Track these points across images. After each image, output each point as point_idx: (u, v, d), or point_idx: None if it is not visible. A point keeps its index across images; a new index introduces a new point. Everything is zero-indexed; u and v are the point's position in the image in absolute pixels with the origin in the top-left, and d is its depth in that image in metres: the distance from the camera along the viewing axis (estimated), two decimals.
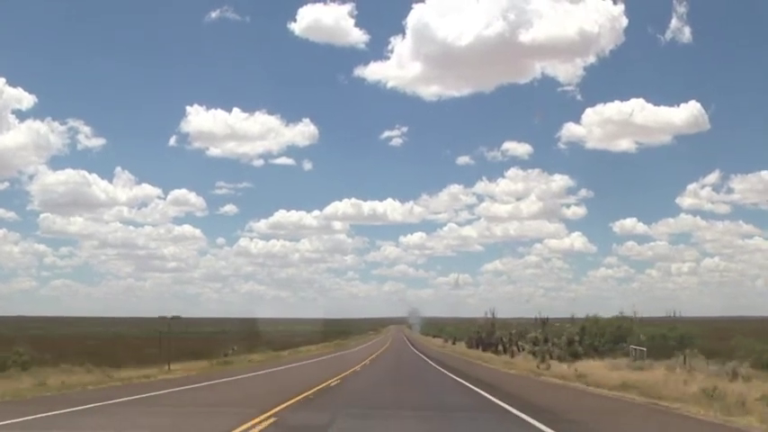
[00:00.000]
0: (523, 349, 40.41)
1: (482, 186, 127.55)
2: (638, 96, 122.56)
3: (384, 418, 12.83)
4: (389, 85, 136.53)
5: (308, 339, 68.58)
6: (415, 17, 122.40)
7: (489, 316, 53.18)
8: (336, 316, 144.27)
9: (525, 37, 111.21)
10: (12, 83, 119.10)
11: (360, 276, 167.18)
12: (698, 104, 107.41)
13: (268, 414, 12.21)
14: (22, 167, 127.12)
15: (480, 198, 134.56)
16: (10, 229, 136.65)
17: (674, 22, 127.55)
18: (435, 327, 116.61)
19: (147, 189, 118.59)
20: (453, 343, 76.65)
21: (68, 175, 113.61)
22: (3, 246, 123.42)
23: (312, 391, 17.65)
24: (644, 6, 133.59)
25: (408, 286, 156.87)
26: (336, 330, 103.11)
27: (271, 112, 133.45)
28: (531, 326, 44.02)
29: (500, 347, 48.78)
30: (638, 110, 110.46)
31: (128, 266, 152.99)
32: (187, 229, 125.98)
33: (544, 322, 36.76)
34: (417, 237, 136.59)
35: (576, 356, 30.78)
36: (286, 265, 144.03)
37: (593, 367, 25.30)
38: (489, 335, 50.96)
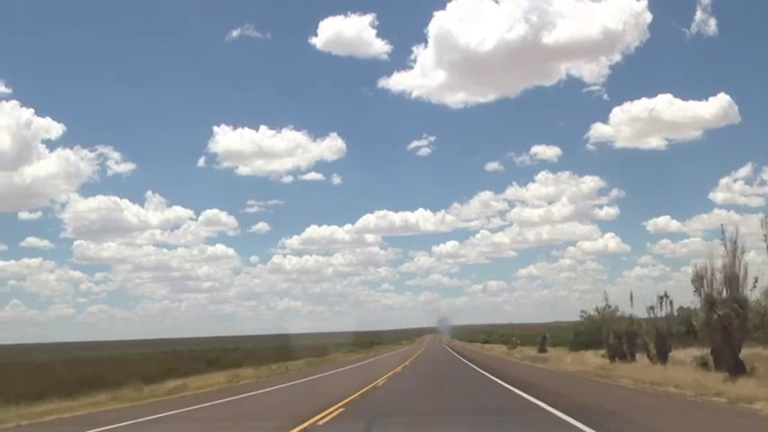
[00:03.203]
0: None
1: (512, 192, 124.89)
2: (665, 92, 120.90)
3: None
4: (414, 94, 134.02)
5: (294, 354, 50.53)
6: (436, 24, 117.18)
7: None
8: (372, 328, 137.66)
9: (548, 38, 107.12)
10: (40, 113, 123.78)
11: (394, 288, 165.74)
12: (727, 97, 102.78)
13: None
14: (53, 196, 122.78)
15: (511, 204, 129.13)
16: (45, 258, 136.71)
17: (698, 15, 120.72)
18: (483, 332, 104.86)
19: (179, 211, 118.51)
20: (541, 350, 44.38)
21: (100, 201, 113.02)
22: (39, 274, 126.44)
23: None
24: (668, 0, 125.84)
25: (443, 295, 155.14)
26: (363, 341, 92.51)
27: (297, 128, 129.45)
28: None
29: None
30: (666, 106, 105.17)
31: (163, 289, 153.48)
32: (220, 248, 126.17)
33: None
34: (450, 245, 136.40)
35: None
36: (320, 280, 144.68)
37: None
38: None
